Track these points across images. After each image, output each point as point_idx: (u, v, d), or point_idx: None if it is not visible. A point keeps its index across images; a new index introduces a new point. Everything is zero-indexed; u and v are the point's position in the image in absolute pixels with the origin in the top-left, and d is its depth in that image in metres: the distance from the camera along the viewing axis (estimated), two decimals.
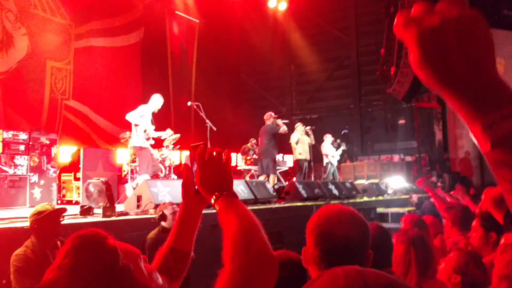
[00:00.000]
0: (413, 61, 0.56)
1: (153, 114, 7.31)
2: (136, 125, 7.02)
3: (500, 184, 0.55)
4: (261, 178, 9.06)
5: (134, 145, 7.25)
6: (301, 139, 10.54)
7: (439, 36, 0.54)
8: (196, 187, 1.21)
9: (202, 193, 1.19)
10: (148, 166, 7.07)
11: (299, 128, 10.73)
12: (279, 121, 9.47)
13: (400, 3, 12.51)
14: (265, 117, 9.64)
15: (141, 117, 7.03)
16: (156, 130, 7.42)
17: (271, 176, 9.12)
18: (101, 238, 0.94)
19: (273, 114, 9.63)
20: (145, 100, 7.57)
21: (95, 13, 12.56)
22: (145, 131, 7.09)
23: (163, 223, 4.27)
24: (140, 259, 0.98)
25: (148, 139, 7.18)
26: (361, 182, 11.62)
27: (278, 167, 11.28)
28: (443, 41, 0.54)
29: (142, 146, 7.08)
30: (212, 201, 1.16)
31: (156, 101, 7.23)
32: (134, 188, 7.07)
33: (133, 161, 8.23)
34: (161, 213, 4.30)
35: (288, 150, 13.08)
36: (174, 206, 4.31)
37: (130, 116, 7.03)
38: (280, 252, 1.89)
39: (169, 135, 8.09)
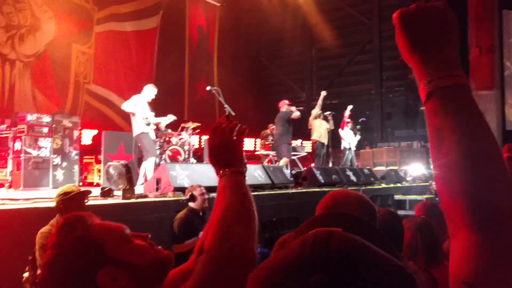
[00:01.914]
0: (396, 34, 0.76)
1: (154, 101, 7.46)
2: (133, 114, 7.14)
3: (429, 130, 0.71)
4: (281, 163, 9.12)
5: (134, 134, 7.30)
6: (318, 121, 10.52)
7: (412, 15, 0.74)
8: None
9: (213, 167, 1.16)
10: (152, 149, 7.24)
11: (315, 110, 10.64)
12: (293, 108, 9.51)
13: None
14: (280, 104, 9.72)
15: (135, 105, 7.17)
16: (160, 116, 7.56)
17: (283, 159, 9.17)
18: (82, 219, 1.00)
19: (287, 101, 9.72)
20: (158, 85, 7.70)
21: None
22: (145, 118, 7.22)
23: (191, 204, 4.47)
24: (123, 236, 1.01)
25: (148, 124, 7.29)
26: (380, 168, 11.55)
27: (296, 153, 11.30)
28: (413, 19, 0.74)
29: (143, 131, 7.21)
30: (219, 177, 1.14)
31: (149, 91, 7.41)
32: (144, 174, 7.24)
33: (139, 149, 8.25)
34: (190, 193, 4.49)
35: (306, 135, 13.06)
36: (202, 188, 4.57)
37: (125, 106, 7.19)
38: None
39: (170, 120, 8.13)
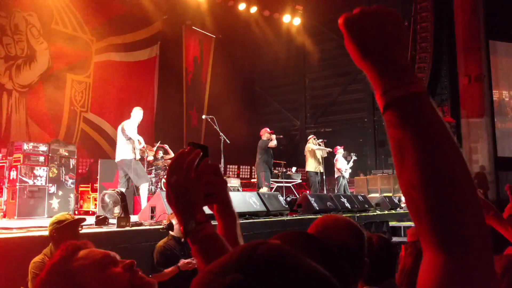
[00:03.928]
0: (345, 41, 0.71)
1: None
2: (131, 139, 7.21)
3: (390, 143, 0.67)
4: (263, 189, 9.17)
5: (130, 158, 7.26)
6: (313, 151, 10.68)
7: (358, 21, 0.70)
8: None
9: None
10: (145, 174, 7.27)
11: (312, 140, 10.85)
12: (273, 136, 9.71)
13: (413, 18, 12.61)
14: (261, 132, 9.93)
15: (135, 130, 7.32)
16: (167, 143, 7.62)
17: (263, 188, 9.23)
18: (73, 248, 1.05)
19: (268, 129, 9.91)
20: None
21: (115, 29, 12.94)
22: (139, 142, 7.29)
23: (171, 232, 4.34)
24: (100, 264, 1.01)
25: (141, 151, 7.37)
26: (374, 195, 11.59)
27: (291, 180, 11.37)
28: (360, 25, 0.70)
29: (135, 157, 7.27)
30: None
31: (138, 114, 7.50)
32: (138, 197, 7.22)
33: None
34: (169, 222, 4.37)
35: (301, 163, 13.15)
36: None
37: (131, 133, 7.22)
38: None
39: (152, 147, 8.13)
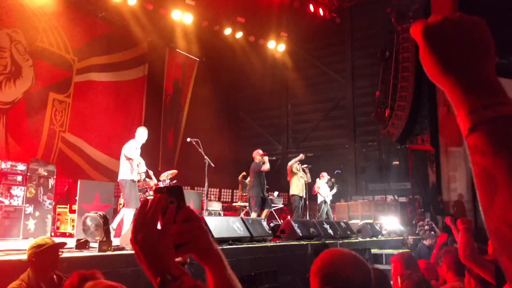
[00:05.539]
0: (420, 53, 0.64)
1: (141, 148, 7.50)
2: (130, 159, 7.11)
3: (474, 170, 0.60)
4: (251, 216, 9.07)
5: (126, 178, 7.17)
6: (296, 175, 10.63)
7: (440, 30, 0.63)
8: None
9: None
10: (137, 200, 7.13)
11: (296, 165, 10.83)
12: (266, 158, 9.45)
13: (395, 48, 12.98)
14: (253, 154, 9.70)
15: (136, 149, 7.25)
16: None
17: (252, 214, 9.14)
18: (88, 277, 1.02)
19: (260, 151, 9.63)
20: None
21: (99, 49, 12.88)
22: (138, 165, 7.19)
23: None
24: None
25: (139, 173, 7.28)
26: (355, 221, 11.62)
27: (273, 205, 11.31)
28: (443, 35, 0.62)
29: (133, 179, 7.19)
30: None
31: (143, 134, 7.44)
32: (118, 223, 7.10)
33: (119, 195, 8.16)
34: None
35: (283, 187, 13.14)
36: None
37: (128, 151, 7.14)
38: None
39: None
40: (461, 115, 0.61)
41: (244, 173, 11.70)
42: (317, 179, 11.84)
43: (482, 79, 0.61)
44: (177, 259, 0.87)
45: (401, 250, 8.73)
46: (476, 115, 0.59)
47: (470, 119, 0.60)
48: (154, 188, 7.41)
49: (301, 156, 10.91)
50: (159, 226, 0.85)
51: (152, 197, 0.88)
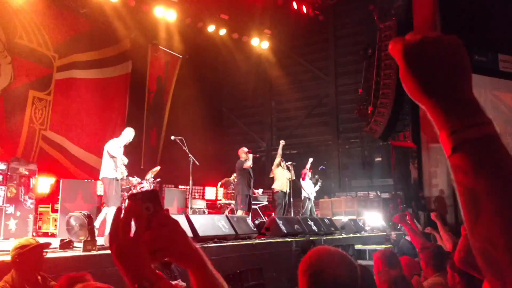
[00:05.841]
0: (400, 73, 0.64)
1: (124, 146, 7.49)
2: (114, 157, 7.08)
3: (457, 190, 0.61)
4: (238, 214, 9.08)
5: (109, 176, 7.12)
6: (280, 170, 10.67)
7: (420, 49, 0.62)
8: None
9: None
10: (118, 198, 7.10)
11: (282, 163, 10.87)
12: (250, 156, 9.51)
13: (377, 46, 13.11)
14: (238, 152, 9.73)
15: (120, 148, 7.25)
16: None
17: (238, 212, 9.16)
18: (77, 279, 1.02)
19: (245, 149, 9.68)
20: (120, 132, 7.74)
21: (80, 46, 12.67)
22: (123, 162, 7.19)
23: None
24: None
25: (122, 172, 7.26)
26: (339, 218, 11.73)
27: (257, 202, 11.34)
28: (423, 55, 0.62)
29: (116, 177, 7.15)
30: None
31: (128, 134, 7.47)
32: (101, 221, 7.05)
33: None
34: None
35: (267, 184, 13.17)
36: None
37: (111, 149, 7.11)
38: None
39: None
40: (443, 135, 0.62)
41: (226, 178, 11.75)
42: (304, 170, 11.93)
43: (462, 99, 0.62)
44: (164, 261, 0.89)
45: (384, 246, 8.86)
46: (458, 135, 0.60)
47: (452, 139, 0.61)
48: (130, 194, 7.40)
49: (282, 142, 10.95)
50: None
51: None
